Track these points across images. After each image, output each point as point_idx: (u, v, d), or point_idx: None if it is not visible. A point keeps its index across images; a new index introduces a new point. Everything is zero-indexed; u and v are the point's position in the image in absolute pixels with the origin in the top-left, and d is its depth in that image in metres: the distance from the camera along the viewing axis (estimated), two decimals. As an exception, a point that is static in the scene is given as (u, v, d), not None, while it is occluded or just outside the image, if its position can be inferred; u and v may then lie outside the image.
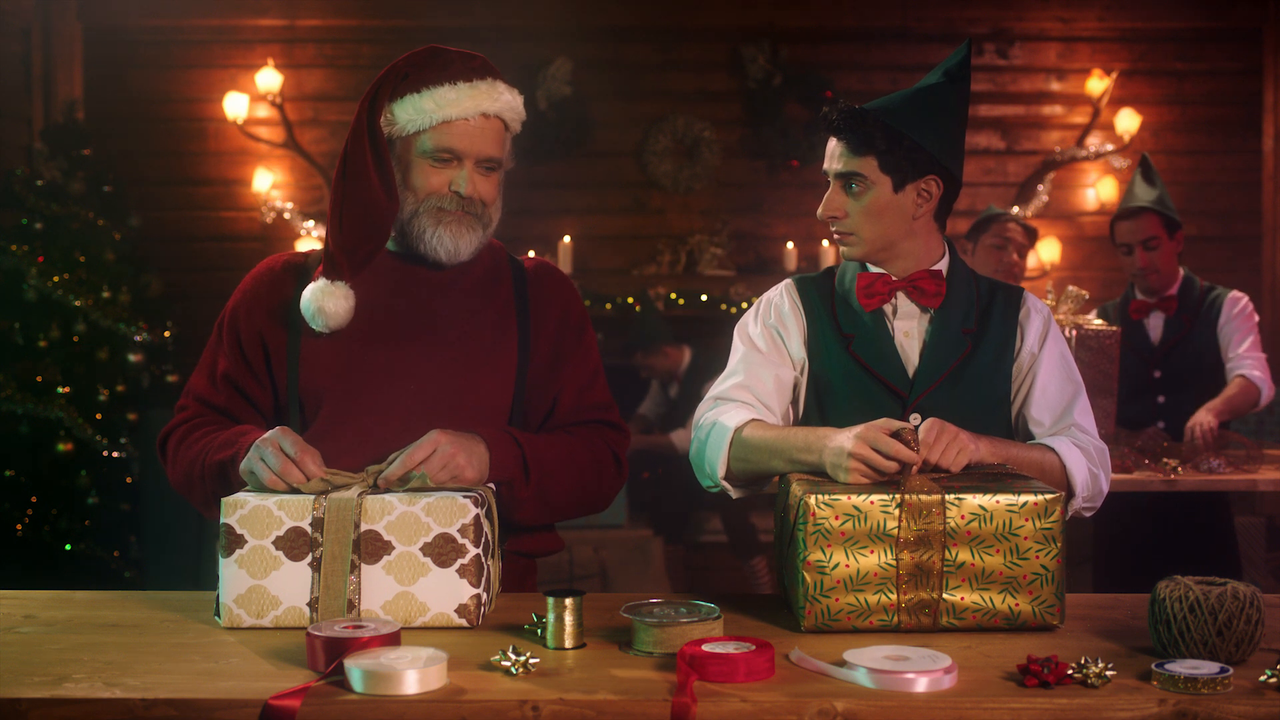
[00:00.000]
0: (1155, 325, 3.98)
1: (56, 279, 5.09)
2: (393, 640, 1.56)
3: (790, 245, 6.32)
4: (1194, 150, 6.50)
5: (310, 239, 6.18)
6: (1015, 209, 6.23)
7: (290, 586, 1.73)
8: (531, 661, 1.51)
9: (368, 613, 1.72)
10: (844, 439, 1.84)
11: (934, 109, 2.12)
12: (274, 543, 1.73)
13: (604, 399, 2.16)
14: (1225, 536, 3.91)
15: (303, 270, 2.11)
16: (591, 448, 2.09)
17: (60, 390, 5.07)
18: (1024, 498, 1.71)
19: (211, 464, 1.97)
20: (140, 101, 6.31)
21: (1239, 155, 6.49)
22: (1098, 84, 6.39)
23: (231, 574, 1.74)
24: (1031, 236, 4.46)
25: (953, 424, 1.90)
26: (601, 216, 6.48)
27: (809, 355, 2.17)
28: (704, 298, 6.29)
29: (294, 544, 1.73)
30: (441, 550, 1.73)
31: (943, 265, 2.19)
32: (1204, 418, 3.71)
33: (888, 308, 2.17)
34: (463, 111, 2.00)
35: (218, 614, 1.77)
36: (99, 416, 5.17)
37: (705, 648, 1.52)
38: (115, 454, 5.23)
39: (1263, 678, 1.45)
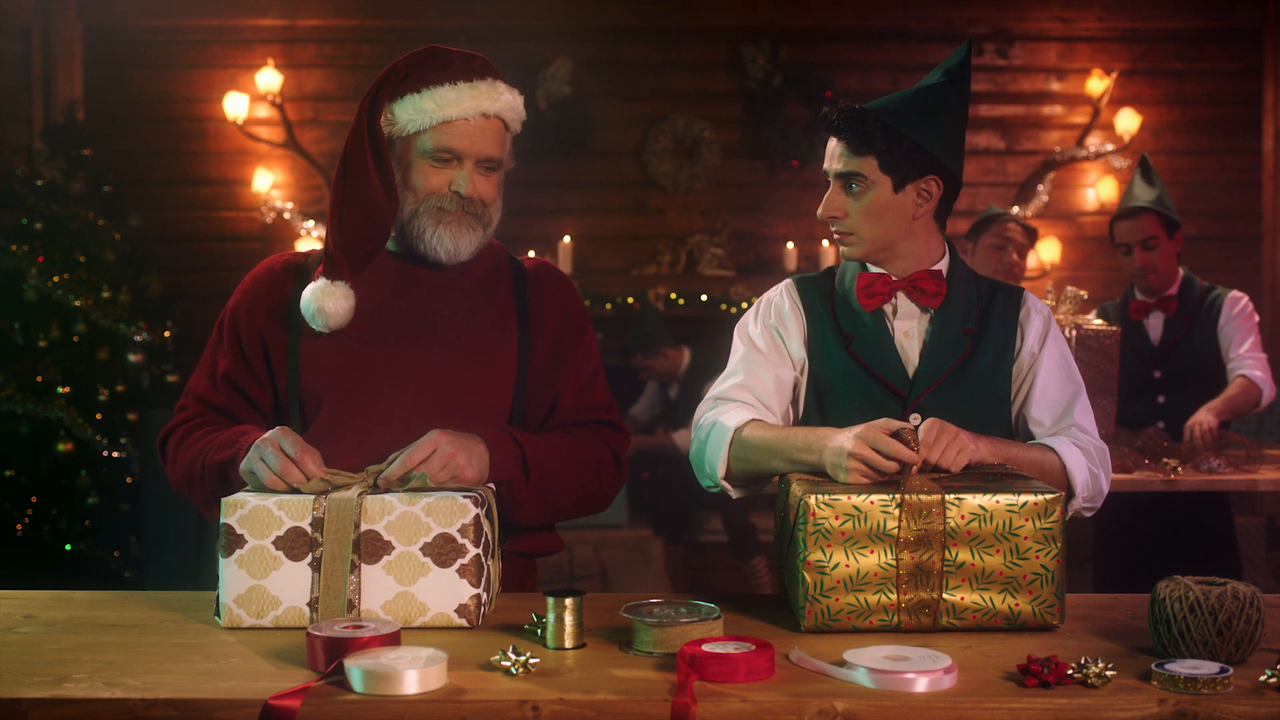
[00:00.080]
0: (1155, 325, 3.98)
1: (56, 279, 5.09)
2: (393, 640, 1.56)
3: (790, 245, 6.32)
4: (1194, 150, 6.50)
5: (310, 239, 6.18)
6: (1015, 209, 6.24)
7: (290, 586, 1.73)
8: (531, 661, 1.51)
9: (368, 613, 1.72)
10: (844, 439, 1.84)
11: (934, 109, 2.12)
12: (274, 543, 1.73)
13: (604, 399, 2.16)
14: (1225, 536, 3.91)
15: (303, 270, 2.11)
16: (591, 448, 2.09)
17: (60, 390, 5.08)
18: (1024, 498, 1.71)
19: (211, 464, 1.97)
20: (140, 101, 6.32)
21: (1239, 155, 6.49)
22: (1098, 84, 6.39)
23: (231, 574, 1.74)
24: (1031, 236, 4.46)
25: (953, 424, 1.90)
26: (601, 216, 6.48)
27: (809, 355, 2.17)
28: (704, 298, 6.29)
29: (294, 544, 1.73)
30: (441, 550, 1.73)
31: (943, 265, 2.19)
32: (1204, 417, 3.71)
33: (888, 308, 2.17)
34: (463, 111, 2.00)
35: (218, 614, 1.77)
36: (99, 416, 5.17)
37: (705, 648, 1.52)
38: (115, 454, 5.23)
39: (1263, 678, 1.45)
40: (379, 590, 1.73)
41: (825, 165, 2.18)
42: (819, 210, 2.19)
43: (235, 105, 6.21)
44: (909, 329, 2.16)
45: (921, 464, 1.83)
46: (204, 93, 6.34)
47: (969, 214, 5.61)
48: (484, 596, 1.76)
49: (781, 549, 1.87)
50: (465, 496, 1.75)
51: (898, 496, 1.71)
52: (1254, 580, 3.79)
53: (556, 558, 4.51)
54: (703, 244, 6.38)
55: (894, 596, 1.71)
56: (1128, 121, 6.36)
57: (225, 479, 1.94)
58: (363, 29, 6.39)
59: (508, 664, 1.51)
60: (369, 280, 2.05)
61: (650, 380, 5.77)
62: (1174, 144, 6.48)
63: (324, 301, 1.99)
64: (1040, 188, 6.40)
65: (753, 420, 2.06)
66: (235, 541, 1.74)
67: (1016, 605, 1.72)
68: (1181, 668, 1.46)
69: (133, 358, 5.29)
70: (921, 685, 1.45)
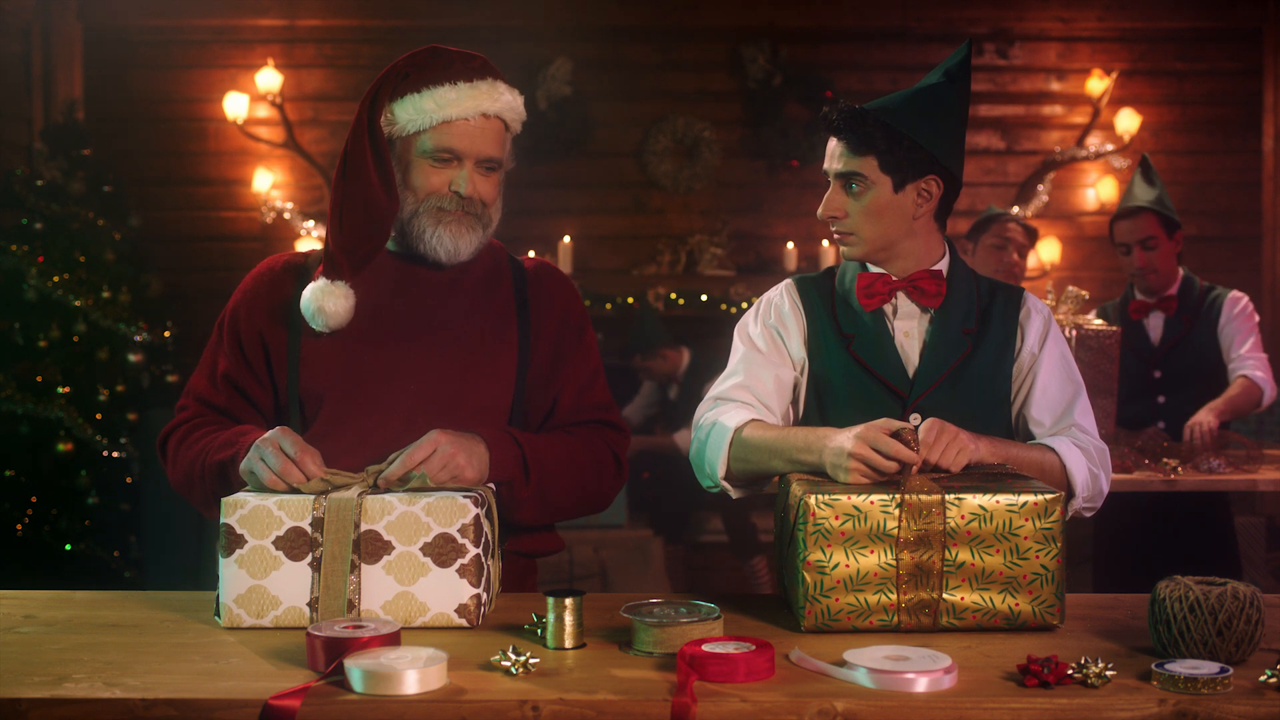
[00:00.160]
0: (1155, 325, 3.98)
1: (56, 279, 5.09)
2: (393, 640, 1.56)
3: (790, 245, 6.32)
4: (1194, 150, 6.50)
5: (310, 239, 6.18)
6: (1015, 209, 6.23)
7: (290, 586, 1.73)
8: (531, 661, 1.51)
9: (368, 613, 1.72)
10: (844, 439, 1.84)
11: (934, 109, 2.12)
12: (274, 543, 1.73)
13: (604, 399, 2.16)
14: (1225, 536, 3.91)
15: (303, 270, 2.11)
16: (591, 448, 2.09)
17: (60, 390, 5.07)
18: (1024, 498, 1.71)
19: (211, 464, 1.97)
20: (140, 101, 6.31)
21: (1239, 155, 6.49)
22: (1098, 84, 6.39)
23: (231, 574, 1.74)
24: (1032, 237, 4.46)
25: (953, 424, 1.90)
26: (601, 216, 6.48)
27: (809, 355, 2.17)
28: (704, 298, 6.29)
29: (294, 544, 1.73)
30: (441, 550, 1.73)
31: (943, 265, 2.19)
32: (1204, 417, 3.71)
33: (888, 308, 2.17)
34: (463, 111, 2.00)
35: (218, 614, 1.77)
36: (99, 416, 5.17)
37: (705, 648, 1.52)
38: (115, 454, 5.23)
39: (1263, 678, 1.45)
40: (379, 590, 1.73)
41: (825, 165, 2.18)
42: (819, 210, 2.19)
43: (235, 105, 6.20)
44: (909, 329, 2.16)
45: (921, 464, 1.83)
46: (204, 93, 6.34)
47: (969, 214, 5.61)
48: (484, 596, 1.76)
49: (781, 549, 1.87)
50: (465, 496, 1.75)
51: (898, 496, 1.71)
52: (1254, 580, 3.78)
53: (556, 558, 4.51)
54: (703, 244, 6.38)
55: (894, 596, 1.71)
56: (1128, 121, 6.36)
57: (225, 479, 1.94)
58: (363, 29, 6.39)
59: (508, 664, 1.51)
60: (369, 280, 2.05)
61: (648, 381, 5.77)
62: (1174, 144, 6.48)
63: (324, 301, 1.99)
64: (1040, 188, 6.40)
65: (753, 420, 2.06)
66: (235, 541, 1.74)
67: (1016, 605, 1.72)
68: (1181, 668, 1.46)
69: (133, 358, 5.29)
70: (921, 685, 1.45)
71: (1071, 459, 2.04)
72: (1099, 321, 3.55)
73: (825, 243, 6.30)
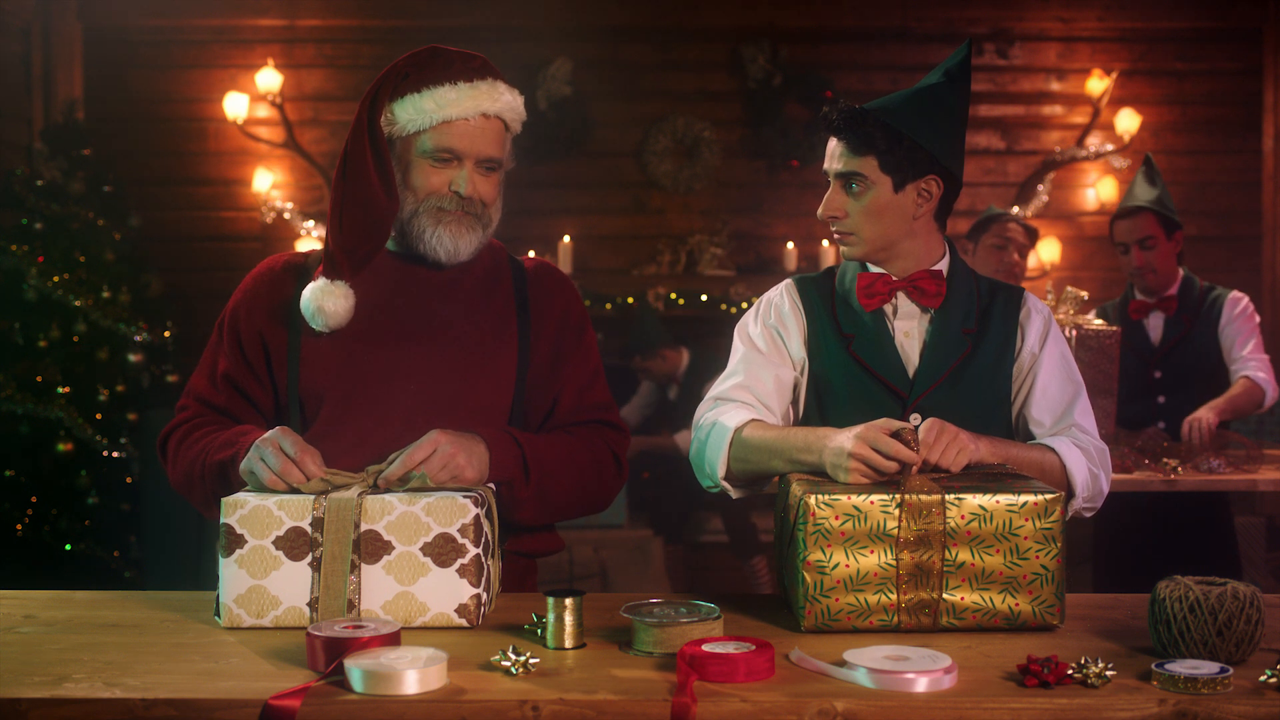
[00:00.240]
0: (1155, 325, 3.98)
1: (56, 279, 5.09)
2: (393, 640, 1.56)
3: (790, 245, 6.32)
4: (1194, 150, 6.50)
5: (310, 239, 6.18)
6: (1015, 209, 6.23)
7: (290, 586, 1.73)
8: (531, 661, 1.51)
9: (368, 613, 1.72)
10: (844, 439, 1.84)
11: (934, 109, 2.12)
12: (274, 543, 1.73)
13: (604, 399, 2.16)
14: (1225, 536, 3.91)
15: (303, 270, 2.11)
16: (591, 448, 2.09)
17: (60, 390, 5.07)
18: (1024, 498, 1.71)
19: (212, 464, 1.97)
20: (140, 101, 6.31)
21: (1239, 155, 6.49)
22: (1098, 84, 6.39)
23: (231, 574, 1.74)
24: (1032, 237, 4.46)
25: (953, 424, 1.90)
26: (601, 216, 6.48)
27: (809, 355, 2.17)
28: (704, 298, 6.29)
29: (294, 544, 1.73)
30: (441, 550, 1.73)
31: (943, 265, 2.19)
32: (1203, 414, 3.71)
33: (888, 308, 2.17)
34: (463, 111, 2.00)
35: (218, 614, 1.77)
36: (99, 416, 5.17)
37: (705, 648, 1.52)
38: (115, 454, 5.23)
39: (1263, 678, 1.45)
40: (379, 590, 1.73)
41: (825, 165, 2.18)
42: (819, 210, 2.19)
43: (235, 105, 6.20)
44: (909, 329, 2.16)
45: (921, 464, 1.83)
46: (204, 93, 6.34)
47: (969, 214, 5.61)
48: (484, 596, 1.76)
49: (781, 549, 1.87)
50: (465, 496, 1.75)
51: (898, 496, 1.71)
52: (1254, 580, 3.78)
53: (556, 558, 4.51)
54: (703, 244, 6.38)
55: (894, 596, 1.71)
56: (1128, 121, 6.36)
57: (225, 479, 1.94)
58: (363, 29, 6.39)
59: (508, 664, 1.51)
60: (369, 280, 2.05)
61: (646, 381, 5.77)
62: (1174, 144, 6.48)
63: (324, 301, 1.99)
64: (1040, 188, 6.40)
65: (753, 420, 2.06)
66: (235, 541, 1.74)
67: (1016, 605, 1.72)
68: (1181, 668, 1.46)
69: (133, 358, 5.29)
70: (921, 685, 1.45)
71: (1071, 459, 2.04)
72: (1099, 321, 3.55)
73: (825, 243, 6.30)
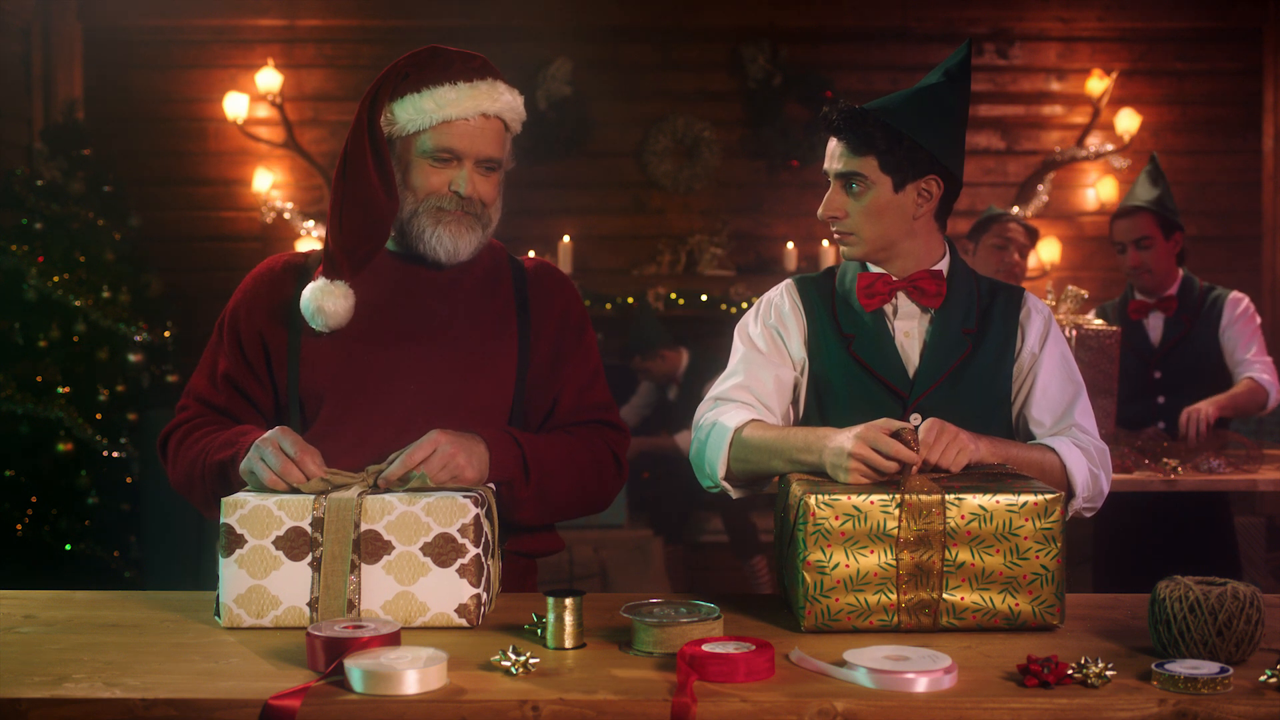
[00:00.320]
0: (1155, 325, 3.98)
1: (56, 279, 5.09)
2: (393, 640, 1.56)
3: (790, 245, 6.32)
4: (1194, 150, 6.50)
5: (310, 239, 6.18)
6: (1015, 209, 6.23)
7: (290, 586, 1.73)
8: (531, 661, 1.51)
9: (368, 613, 1.72)
10: (844, 439, 1.84)
11: (934, 109, 2.12)
12: (274, 543, 1.73)
13: (604, 399, 2.16)
14: (1225, 536, 3.91)
15: (303, 270, 2.11)
16: (591, 448, 2.09)
17: (60, 390, 5.07)
18: (1024, 498, 1.71)
19: (212, 464, 1.97)
20: (140, 101, 6.31)
21: (1239, 155, 6.49)
22: (1098, 84, 6.39)
23: (231, 574, 1.74)
24: (1033, 237, 4.46)
25: (953, 424, 1.90)
26: (601, 216, 6.48)
27: (809, 355, 2.17)
28: (704, 298, 6.29)
29: (294, 544, 1.73)
30: (441, 550, 1.73)
31: (943, 265, 2.19)
32: (1203, 406, 3.70)
33: (888, 308, 2.17)
34: (463, 111, 2.00)
35: (218, 614, 1.77)
36: (99, 416, 5.17)
37: (705, 648, 1.52)
38: (115, 454, 5.23)
39: (1263, 678, 1.45)
40: (379, 590, 1.73)
41: (825, 165, 2.18)
42: (819, 210, 2.19)
43: (235, 105, 6.20)
44: (909, 329, 2.16)
45: (921, 464, 1.83)
46: (204, 93, 6.34)
47: (969, 214, 5.61)
48: (484, 596, 1.76)
49: (781, 549, 1.87)
50: (465, 496, 1.75)
51: (898, 496, 1.71)
52: (1254, 580, 3.78)
53: (556, 558, 4.50)
54: (703, 244, 6.38)
55: (894, 596, 1.71)
56: (1128, 121, 6.36)
57: (225, 479, 1.94)
58: (363, 29, 6.39)
59: (508, 664, 1.51)
60: (369, 280, 2.05)
61: (645, 382, 5.76)
62: (1174, 144, 6.48)
63: (324, 301, 1.99)
64: (1040, 188, 6.40)
65: (753, 420, 2.06)
66: (235, 541, 1.74)
67: (1016, 605, 1.72)
68: (1181, 668, 1.46)
69: (133, 358, 5.29)
70: (921, 685, 1.45)
71: (1072, 459, 2.04)
72: (1099, 321, 3.55)
73: (825, 243, 6.30)
